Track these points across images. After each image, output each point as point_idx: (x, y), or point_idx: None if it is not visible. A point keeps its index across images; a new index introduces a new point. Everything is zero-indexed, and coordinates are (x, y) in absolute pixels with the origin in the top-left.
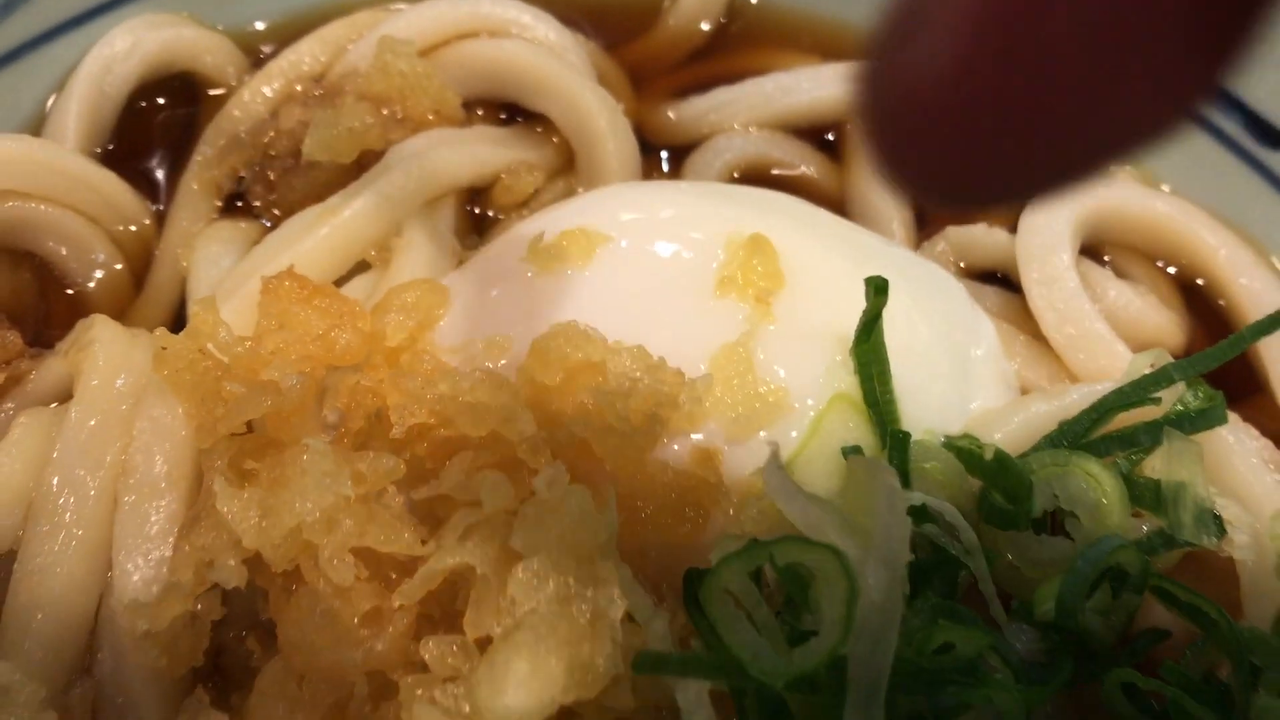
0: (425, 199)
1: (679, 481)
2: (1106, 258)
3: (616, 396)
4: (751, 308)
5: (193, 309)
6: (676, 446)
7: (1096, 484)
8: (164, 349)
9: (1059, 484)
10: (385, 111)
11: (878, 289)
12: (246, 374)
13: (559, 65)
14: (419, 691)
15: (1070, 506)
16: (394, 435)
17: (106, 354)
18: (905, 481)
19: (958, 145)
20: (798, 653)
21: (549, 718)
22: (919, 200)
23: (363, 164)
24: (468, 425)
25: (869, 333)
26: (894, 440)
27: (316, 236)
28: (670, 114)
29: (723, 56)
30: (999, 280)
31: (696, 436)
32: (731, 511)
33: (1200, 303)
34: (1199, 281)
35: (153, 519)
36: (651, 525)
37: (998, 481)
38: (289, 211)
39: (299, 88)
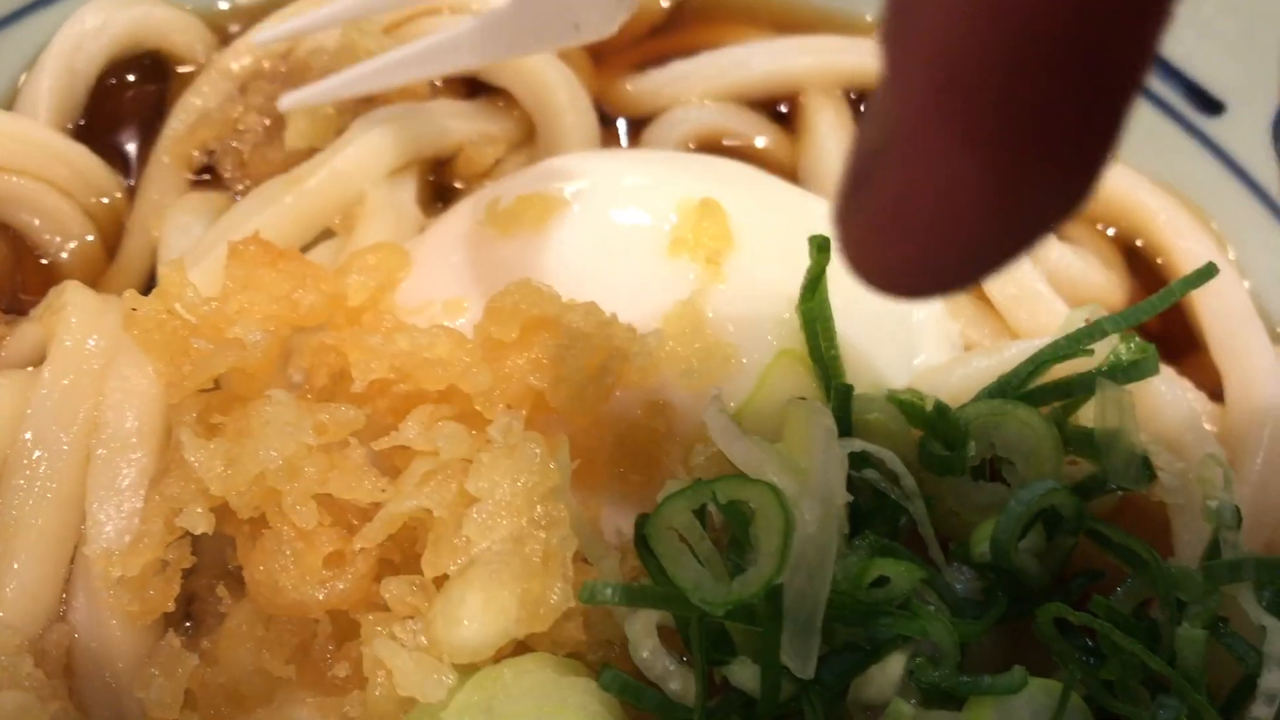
0: (388, 169)
1: (631, 433)
2: None
3: (569, 350)
4: (702, 268)
5: (161, 270)
6: (630, 400)
7: (1031, 431)
8: (133, 309)
9: (996, 432)
10: None
11: (820, 247)
12: (213, 332)
13: None
14: (379, 629)
15: (1006, 453)
16: (355, 390)
17: (79, 316)
18: (848, 431)
19: (902, 271)
20: (737, 582)
21: (502, 650)
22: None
23: None
24: (426, 380)
25: (814, 290)
26: (837, 392)
27: (282, 205)
28: (629, 87)
29: (681, 31)
30: None
31: (649, 390)
32: (681, 459)
33: (1143, 266)
34: (1138, 243)
35: (124, 472)
36: (605, 475)
37: (937, 430)
38: (258, 184)
39: (266, 65)
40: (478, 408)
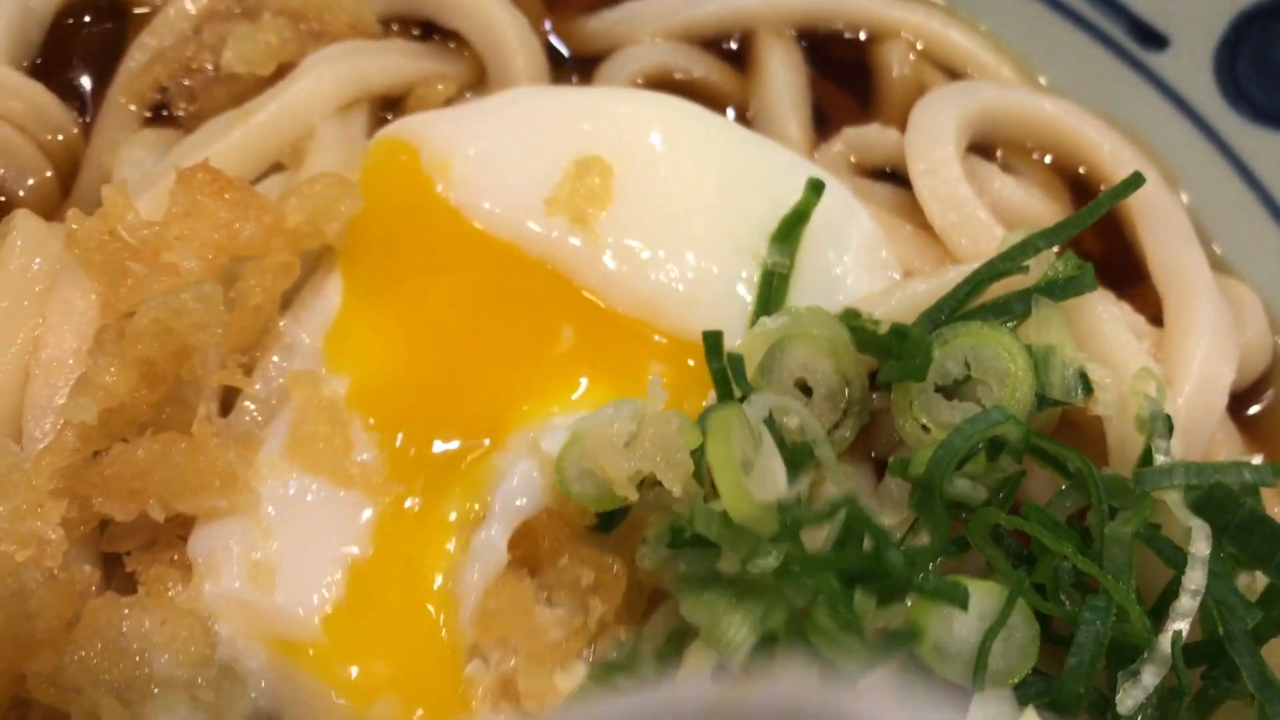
0: (338, 104)
1: None
2: (999, 153)
3: None
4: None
5: (104, 191)
6: None
7: (1008, 354)
8: (75, 228)
9: (972, 353)
10: (302, 26)
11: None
12: (150, 256)
13: None
14: None
15: (981, 375)
16: None
17: (24, 241)
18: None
19: None
20: None
21: None
22: None
23: (281, 76)
24: None
25: None
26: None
27: (231, 138)
28: (583, 25)
29: None
30: (892, 177)
31: None
32: None
33: (1089, 197)
34: (1081, 170)
35: (61, 390)
36: None
37: (894, 352)
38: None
39: (222, 5)
40: None
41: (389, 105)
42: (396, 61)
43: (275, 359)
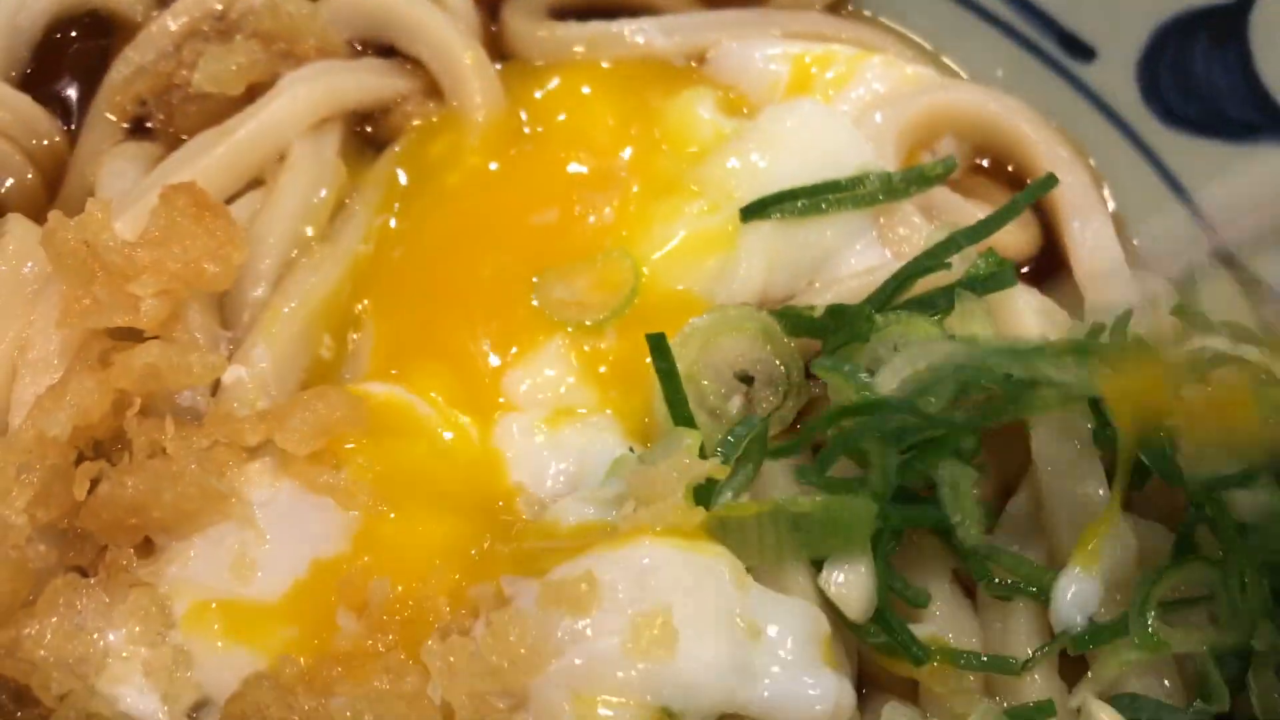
0: (314, 120)
1: None
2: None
3: None
4: None
5: (89, 204)
6: None
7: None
8: (53, 229)
9: (901, 340)
10: (274, 48)
11: None
12: (119, 280)
13: (426, 10)
14: None
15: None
16: None
17: (16, 244)
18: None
19: None
20: None
21: None
22: None
23: (253, 94)
24: None
25: None
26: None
27: (214, 154)
28: (541, 33)
29: None
30: None
31: None
32: None
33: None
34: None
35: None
36: None
37: (834, 328)
38: (186, 135)
39: (204, 25)
40: None
41: (366, 120)
42: (368, 79)
43: None
